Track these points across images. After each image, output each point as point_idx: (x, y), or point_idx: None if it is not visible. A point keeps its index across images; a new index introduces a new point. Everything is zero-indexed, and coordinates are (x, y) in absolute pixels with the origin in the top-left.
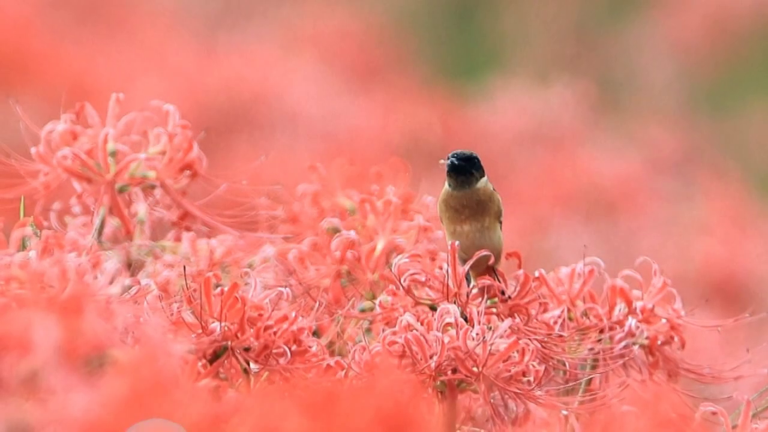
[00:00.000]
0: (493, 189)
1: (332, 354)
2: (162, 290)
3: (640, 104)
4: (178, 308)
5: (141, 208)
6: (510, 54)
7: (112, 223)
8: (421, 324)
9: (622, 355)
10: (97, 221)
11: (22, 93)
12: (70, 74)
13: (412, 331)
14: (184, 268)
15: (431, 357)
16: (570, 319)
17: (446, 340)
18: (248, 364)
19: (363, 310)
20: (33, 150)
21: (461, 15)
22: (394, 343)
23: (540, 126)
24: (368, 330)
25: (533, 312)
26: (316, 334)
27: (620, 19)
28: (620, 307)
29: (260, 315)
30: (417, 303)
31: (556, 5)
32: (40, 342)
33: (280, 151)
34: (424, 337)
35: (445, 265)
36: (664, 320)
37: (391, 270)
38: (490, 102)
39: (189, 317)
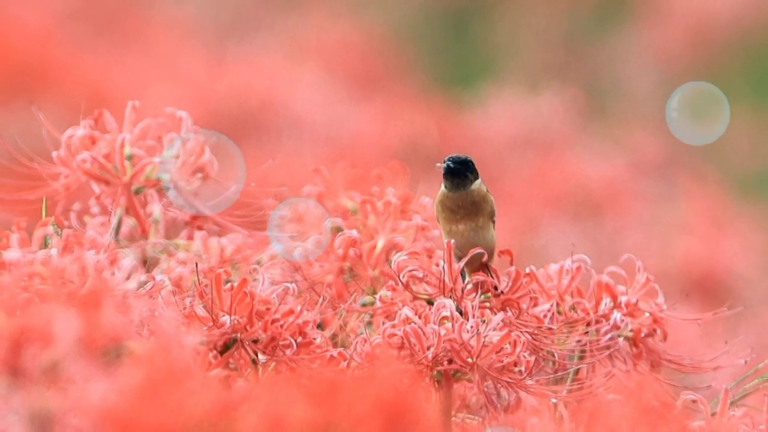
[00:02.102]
0: (487, 190)
1: (335, 345)
2: (175, 286)
3: (625, 111)
4: (190, 302)
5: (156, 208)
6: (503, 63)
7: (129, 222)
8: (419, 317)
9: (607, 347)
10: (114, 221)
11: (43, 100)
12: (89, 83)
13: (410, 324)
14: (197, 264)
15: (428, 348)
16: (559, 312)
17: (442, 332)
18: (256, 355)
19: (364, 305)
20: (54, 154)
21: (457, 27)
22: (394, 335)
23: (531, 131)
24: (369, 323)
25: (524, 306)
26: (321, 326)
27: (607, 31)
28: (606, 302)
29: (268, 309)
30: (415, 298)
31: (546, 17)
32: (61, 334)
33: (286, 155)
34: (422, 329)
35: (441, 262)
36: (647, 314)
37: (390, 267)
38: (484, 108)
39: (201, 311)
